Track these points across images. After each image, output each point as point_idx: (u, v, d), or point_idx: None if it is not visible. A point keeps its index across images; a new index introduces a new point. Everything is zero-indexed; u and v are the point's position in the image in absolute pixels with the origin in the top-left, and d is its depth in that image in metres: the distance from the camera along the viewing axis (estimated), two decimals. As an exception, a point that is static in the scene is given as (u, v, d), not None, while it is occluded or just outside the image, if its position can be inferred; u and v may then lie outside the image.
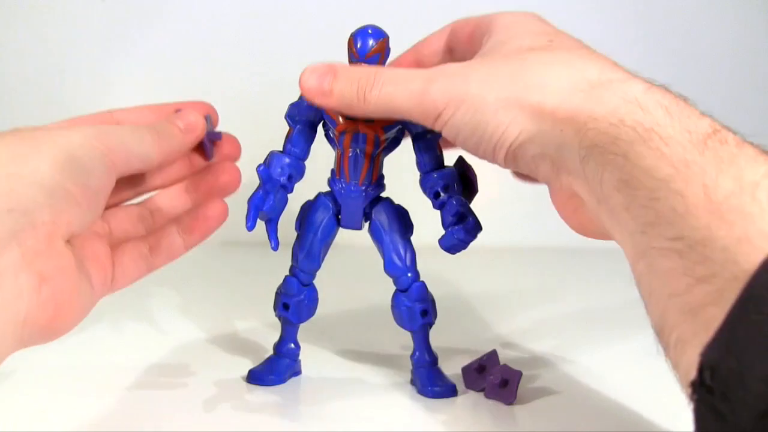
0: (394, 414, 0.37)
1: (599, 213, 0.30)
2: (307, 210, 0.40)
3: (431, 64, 0.41)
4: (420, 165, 0.40)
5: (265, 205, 0.37)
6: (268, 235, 0.38)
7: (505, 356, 0.41)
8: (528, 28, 0.36)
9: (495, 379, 0.38)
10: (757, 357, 0.22)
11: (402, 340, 0.43)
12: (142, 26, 0.89)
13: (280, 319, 0.41)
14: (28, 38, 0.88)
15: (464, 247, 0.38)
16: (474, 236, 0.38)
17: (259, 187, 0.38)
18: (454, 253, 0.39)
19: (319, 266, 0.40)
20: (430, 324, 0.40)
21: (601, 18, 1.01)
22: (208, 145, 0.41)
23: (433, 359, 0.41)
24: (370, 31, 0.37)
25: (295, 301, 0.40)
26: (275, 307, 0.41)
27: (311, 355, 0.44)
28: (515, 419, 0.36)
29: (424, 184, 0.40)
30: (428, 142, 0.39)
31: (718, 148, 0.26)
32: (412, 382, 0.41)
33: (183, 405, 0.37)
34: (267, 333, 0.43)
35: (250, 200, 0.37)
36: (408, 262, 0.40)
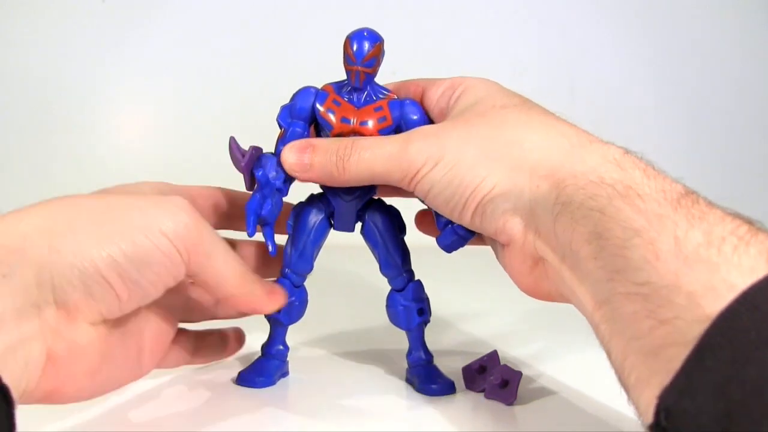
0: (393, 414, 0.37)
1: (561, 270, 0.31)
2: (300, 212, 0.40)
3: None
4: None
5: (263, 210, 0.37)
6: (266, 239, 0.38)
7: (505, 356, 0.41)
8: (497, 89, 0.37)
9: (495, 379, 0.38)
10: (711, 400, 0.22)
11: (395, 339, 0.43)
12: (141, 27, 0.89)
13: (269, 321, 0.41)
14: (28, 38, 0.88)
15: (463, 244, 0.38)
16: (474, 234, 0.38)
17: (256, 191, 0.38)
18: (451, 251, 0.39)
19: (311, 268, 0.40)
20: (426, 322, 0.41)
21: (601, 18, 1.01)
22: (248, 176, 0.38)
23: (430, 357, 0.41)
24: (365, 34, 0.37)
25: (299, 299, 0.40)
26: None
27: (302, 356, 0.44)
28: (515, 419, 0.36)
29: None
30: None
31: (690, 206, 0.28)
32: (408, 381, 0.41)
33: (172, 407, 0.37)
34: (255, 334, 0.43)
35: (248, 205, 0.37)
36: (403, 262, 0.40)
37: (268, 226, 0.38)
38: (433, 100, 0.39)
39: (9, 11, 0.87)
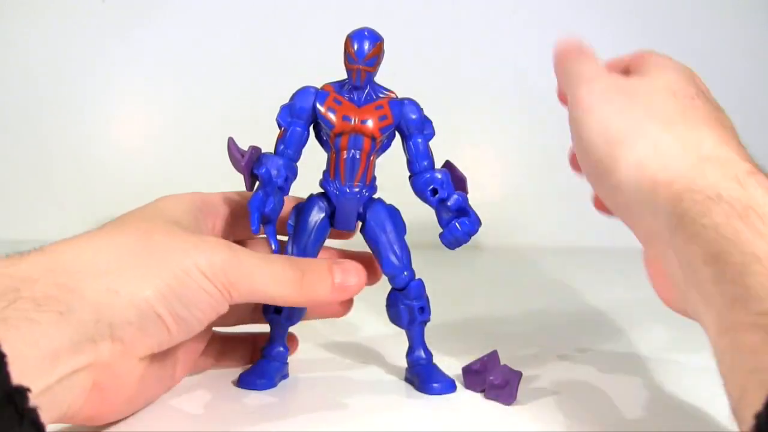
0: (393, 414, 0.37)
1: (686, 287, 0.30)
2: (301, 211, 0.40)
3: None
4: (413, 164, 0.40)
5: (266, 207, 0.37)
6: (269, 237, 0.38)
7: (505, 356, 0.41)
8: (680, 76, 0.38)
9: (495, 379, 0.38)
10: None
11: (394, 339, 0.43)
12: (141, 27, 0.89)
13: (269, 322, 0.41)
14: (28, 38, 0.88)
15: (467, 240, 0.39)
16: (477, 229, 0.38)
17: (258, 189, 0.38)
18: (455, 248, 0.39)
19: None
20: (426, 321, 0.41)
21: (601, 18, 1.01)
22: (248, 176, 0.39)
23: (430, 356, 0.41)
24: (366, 33, 0.37)
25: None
26: (265, 310, 0.40)
27: (302, 356, 0.44)
28: (515, 419, 0.36)
29: (417, 182, 0.40)
30: (422, 143, 0.40)
31: None
32: (408, 380, 0.41)
33: (172, 410, 0.36)
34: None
35: (251, 203, 0.37)
36: (404, 261, 0.40)
37: (271, 224, 0.38)
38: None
39: (8, 11, 0.87)
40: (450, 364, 0.41)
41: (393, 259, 0.40)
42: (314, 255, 0.40)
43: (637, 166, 0.33)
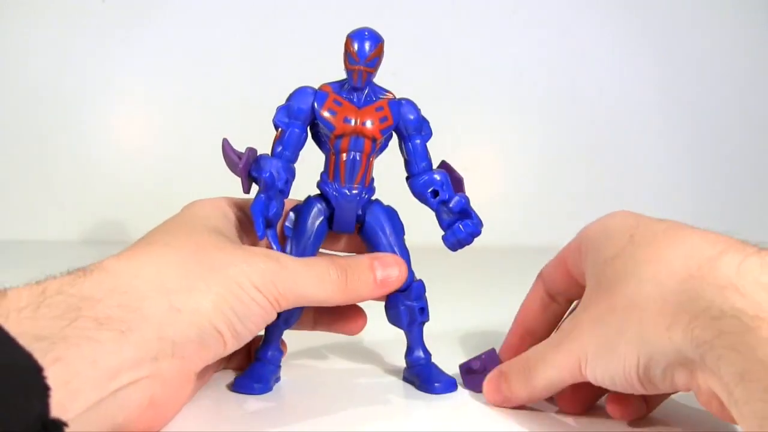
0: (392, 414, 0.37)
1: (730, 407, 0.28)
2: (300, 213, 0.39)
3: (541, 328, 0.41)
4: (411, 166, 0.40)
5: (269, 212, 0.37)
6: (271, 242, 0.38)
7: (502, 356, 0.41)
8: (611, 230, 0.35)
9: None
10: None
11: (393, 340, 0.43)
12: (141, 27, 0.89)
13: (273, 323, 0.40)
14: (28, 38, 0.88)
15: (470, 242, 0.39)
16: (480, 231, 0.39)
17: (260, 192, 0.37)
18: (457, 249, 0.39)
19: None
20: (426, 322, 0.41)
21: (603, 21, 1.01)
22: (246, 179, 0.38)
23: (429, 356, 0.41)
24: (367, 34, 0.37)
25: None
26: None
27: (301, 357, 0.44)
28: (515, 419, 0.36)
29: (416, 184, 0.40)
30: (420, 144, 0.40)
31: None
32: (407, 380, 0.41)
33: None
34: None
35: (254, 208, 0.37)
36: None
37: (272, 228, 0.38)
38: (577, 267, 0.38)
39: (8, 11, 0.87)
40: (449, 364, 0.41)
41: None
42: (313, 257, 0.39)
43: (638, 337, 0.31)
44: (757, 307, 0.27)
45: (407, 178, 0.40)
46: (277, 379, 0.40)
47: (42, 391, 0.24)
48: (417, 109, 0.40)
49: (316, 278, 0.35)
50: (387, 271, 0.38)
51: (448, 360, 0.42)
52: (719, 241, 0.30)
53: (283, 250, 0.39)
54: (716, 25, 1.03)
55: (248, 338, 0.35)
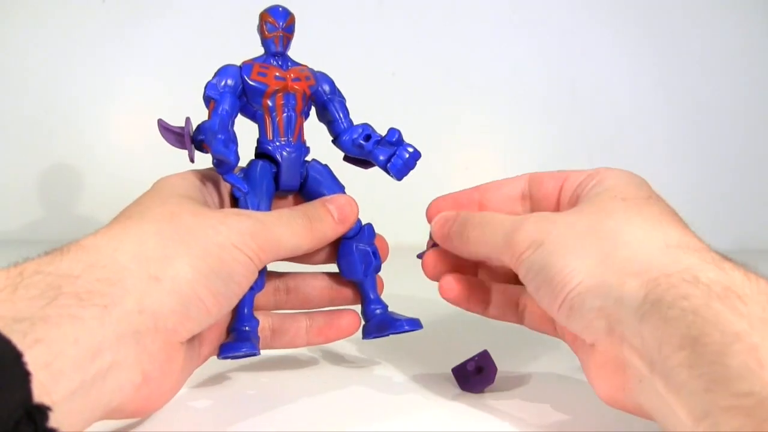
0: (391, 414, 0.37)
1: (650, 380, 0.28)
2: (248, 174, 0.39)
3: (499, 208, 0.41)
4: (339, 123, 0.41)
5: (231, 154, 0.36)
6: (235, 184, 0.37)
7: (504, 357, 0.41)
8: (628, 181, 0.36)
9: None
10: None
11: (392, 340, 0.43)
12: (141, 27, 0.90)
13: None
14: (28, 39, 0.88)
15: (414, 165, 0.40)
16: (420, 155, 0.40)
17: (210, 116, 0.38)
18: (404, 176, 0.40)
19: None
20: (379, 267, 0.41)
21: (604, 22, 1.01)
22: (191, 146, 0.38)
23: (386, 305, 0.41)
24: (280, 7, 0.40)
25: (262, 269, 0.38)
26: None
27: (299, 357, 0.44)
28: (516, 419, 0.37)
29: (348, 137, 0.41)
30: (341, 103, 0.41)
31: None
32: (369, 334, 0.41)
33: (174, 414, 0.36)
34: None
35: (210, 126, 0.37)
36: None
37: (231, 171, 0.37)
38: (570, 190, 0.38)
39: (8, 11, 0.87)
40: (442, 366, 0.42)
41: None
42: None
43: (598, 264, 0.31)
44: (730, 281, 0.27)
45: (335, 139, 0.41)
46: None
47: (23, 377, 0.24)
48: (331, 82, 0.42)
49: (288, 227, 0.36)
50: (341, 208, 0.39)
51: (440, 361, 0.42)
52: (716, 252, 0.31)
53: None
54: (716, 25, 1.03)
55: (233, 301, 0.34)
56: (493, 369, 0.40)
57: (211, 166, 0.38)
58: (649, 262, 0.30)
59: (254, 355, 0.37)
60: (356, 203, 0.39)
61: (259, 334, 0.39)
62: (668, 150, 1.03)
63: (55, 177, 0.88)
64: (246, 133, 0.40)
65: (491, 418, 0.36)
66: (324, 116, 0.42)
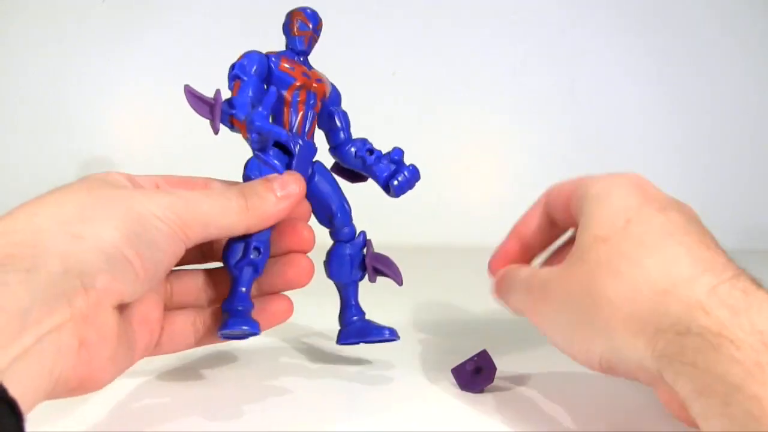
0: (391, 414, 0.37)
1: (695, 417, 0.29)
2: (260, 167, 0.38)
3: (536, 242, 0.42)
4: (341, 132, 0.41)
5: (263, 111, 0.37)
6: (271, 163, 0.38)
7: (503, 357, 0.41)
8: (612, 204, 0.35)
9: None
10: None
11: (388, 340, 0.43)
12: (141, 27, 0.90)
13: (241, 271, 0.37)
14: (28, 38, 0.88)
15: (413, 185, 0.40)
16: (420, 176, 0.40)
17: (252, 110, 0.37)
18: (402, 193, 0.40)
19: None
20: (363, 276, 0.42)
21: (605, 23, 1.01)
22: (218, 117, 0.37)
23: (363, 313, 0.42)
24: (310, 10, 0.41)
25: (264, 246, 0.38)
26: (237, 257, 0.37)
27: (297, 357, 0.44)
28: (515, 420, 0.37)
29: (349, 149, 0.41)
30: (344, 114, 0.42)
31: None
32: (345, 338, 0.41)
33: (169, 410, 0.37)
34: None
35: (256, 115, 0.36)
36: (351, 214, 0.41)
37: (271, 146, 0.38)
38: (572, 209, 0.38)
39: (8, 11, 0.87)
40: (441, 365, 0.42)
41: (347, 207, 0.41)
42: None
43: (606, 332, 0.32)
44: (720, 326, 0.28)
45: (334, 148, 0.42)
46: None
47: None
48: (339, 92, 0.42)
49: (217, 204, 0.35)
50: (285, 186, 0.37)
51: (440, 361, 0.42)
52: (702, 261, 0.31)
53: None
54: (717, 25, 1.03)
55: (159, 271, 0.33)
56: (493, 369, 0.40)
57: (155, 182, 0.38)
58: (645, 319, 0.30)
59: (255, 335, 0.36)
60: (304, 182, 0.38)
61: (190, 328, 0.38)
62: (668, 150, 1.03)
63: (55, 176, 0.88)
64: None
65: (491, 418, 0.36)
66: (326, 124, 0.42)
